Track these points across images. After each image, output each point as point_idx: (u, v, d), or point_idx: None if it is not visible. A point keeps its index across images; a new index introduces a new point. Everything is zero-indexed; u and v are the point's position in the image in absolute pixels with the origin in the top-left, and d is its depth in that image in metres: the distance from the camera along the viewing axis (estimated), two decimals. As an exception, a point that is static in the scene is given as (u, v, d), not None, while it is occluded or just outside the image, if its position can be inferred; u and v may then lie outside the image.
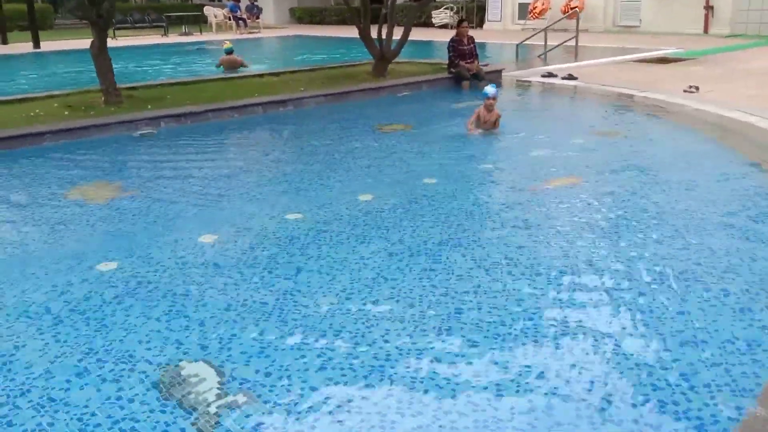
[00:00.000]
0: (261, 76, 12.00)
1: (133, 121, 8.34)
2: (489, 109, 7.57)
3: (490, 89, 7.63)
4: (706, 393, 2.75)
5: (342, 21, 30.76)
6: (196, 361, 3.14)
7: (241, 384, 2.94)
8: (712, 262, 4.01)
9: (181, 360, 3.15)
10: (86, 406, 2.80)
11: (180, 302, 3.73)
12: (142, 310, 3.65)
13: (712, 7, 19.45)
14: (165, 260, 4.33)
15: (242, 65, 14.03)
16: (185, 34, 26.56)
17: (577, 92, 10.65)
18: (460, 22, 12.17)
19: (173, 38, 24.92)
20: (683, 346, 3.11)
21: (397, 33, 11.94)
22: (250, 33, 27.06)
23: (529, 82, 11.65)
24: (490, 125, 7.61)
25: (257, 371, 3.03)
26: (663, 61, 13.79)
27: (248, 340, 3.30)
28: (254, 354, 3.18)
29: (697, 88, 9.68)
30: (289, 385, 2.92)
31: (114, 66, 9.35)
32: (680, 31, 19.66)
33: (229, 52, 14.07)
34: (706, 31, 19.61)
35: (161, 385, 2.95)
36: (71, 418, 2.73)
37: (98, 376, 3.03)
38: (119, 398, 2.86)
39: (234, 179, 6.24)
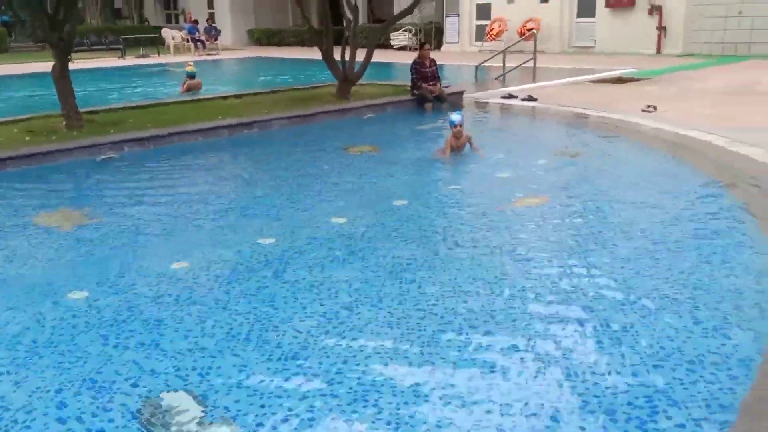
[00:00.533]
0: (224, 98, 11.95)
1: (96, 145, 8.23)
2: (457, 136, 7.53)
3: (456, 117, 7.53)
4: (686, 411, 2.82)
5: (301, 42, 30.80)
6: (176, 390, 3.11)
7: (224, 413, 2.91)
8: (679, 279, 4.12)
9: (161, 390, 3.10)
10: (66, 441, 2.75)
11: (156, 331, 3.68)
12: (118, 339, 3.59)
13: (664, 28, 20.05)
14: (138, 288, 4.27)
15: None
16: (143, 56, 26.29)
17: (537, 113, 10.85)
18: (422, 44, 12.32)
19: (131, 61, 24.66)
20: (657, 365, 3.18)
21: (359, 55, 12.02)
22: (209, 55, 26.96)
23: (491, 103, 11.83)
24: (460, 151, 7.62)
25: (239, 399, 3.01)
26: (619, 81, 14.14)
27: (228, 368, 3.27)
28: (235, 383, 3.15)
29: (655, 108, 9.93)
30: (271, 412, 2.90)
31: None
32: (634, 51, 20.20)
33: (192, 75, 14.03)
34: (659, 51, 20.19)
35: (142, 416, 2.90)
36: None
37: (77, 408, 2.97)
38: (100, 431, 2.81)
39: (203, 203, 6.19)
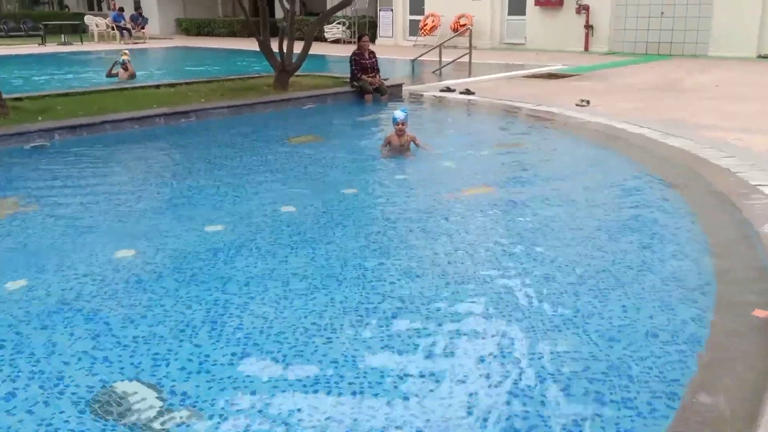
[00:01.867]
0: (157, 87, 11.62)
1: (25, 133, 7.85)
2: (400, 134, 7.24)
3: (398, 114, 7.18)
4: (641, 384, 2.91)
5: (231, 33, 30.30)
6: (130, 380, 3.00)
7: (182, 400, 2.84)
8: (623, 260, 4.26)
9: (115, 380, 3.00)
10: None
11: (105, 320, 3.55)
12: (65, 329, 3.45)
13: (591, 27, 20.68)
14: (81, 277, 4.10)
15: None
16: (65, 43, 25.29)
17: (476, 106, 10.97)
18: (361, 36, 12.29)
19: (52, 48, 23.68)
20: (611, 341, 3.28)
21: (296, 47, 11.88)
22: (135, 43, 26.14)
23: (430, 96, 11.91)
24: (403, 149, 7.30)
25: (198, 386, 2.94)
26: (552, 76, 14.48)
27: (185, 355, 3.19)
28: (193, 369, 3.07)
29: (588, 102, 10.22)
30: (232, 397, 2.85)
31: (-4, 75, 8.80)
32: (563, 49, 20.76)
33: (124, 64, 13.58)
34: (586, 48, 20.80)
35: (96, 406, 2.80)
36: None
37: (25, 400, 2.84)
38: (51, 422, 2.69)
39: (144, 192, 6.00)
